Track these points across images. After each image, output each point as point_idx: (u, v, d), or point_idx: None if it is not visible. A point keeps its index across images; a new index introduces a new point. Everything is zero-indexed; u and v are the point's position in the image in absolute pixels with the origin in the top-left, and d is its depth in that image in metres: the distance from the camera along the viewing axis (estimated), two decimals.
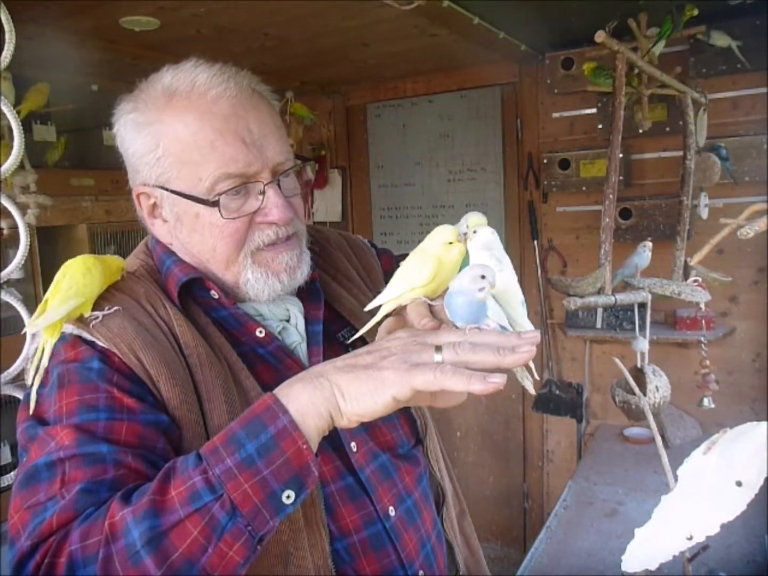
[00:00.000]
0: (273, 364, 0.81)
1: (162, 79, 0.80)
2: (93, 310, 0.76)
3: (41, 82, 2.06)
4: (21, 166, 1.90)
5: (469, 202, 2.99)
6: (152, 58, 2.11)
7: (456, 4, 1.86)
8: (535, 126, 2.76)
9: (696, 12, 1.76)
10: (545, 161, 2.67)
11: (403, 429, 0.89)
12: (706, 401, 1.71)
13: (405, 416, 0.91)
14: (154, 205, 0.83)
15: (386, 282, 0.99)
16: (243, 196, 0.78)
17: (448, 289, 0.68)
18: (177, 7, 1.71)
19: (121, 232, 2.42)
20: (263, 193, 0.78)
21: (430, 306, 0.70)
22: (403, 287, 0.72)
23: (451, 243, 0.71)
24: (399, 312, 0.73)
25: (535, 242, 2.80)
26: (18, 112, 1.23)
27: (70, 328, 0.75)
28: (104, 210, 2.37)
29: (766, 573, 1.49)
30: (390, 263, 1.07)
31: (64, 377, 0.71)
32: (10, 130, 1.22)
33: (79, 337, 0.74)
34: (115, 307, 0.76)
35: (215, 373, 0.75)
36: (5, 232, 1.95)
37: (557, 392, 2.74)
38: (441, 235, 0.72)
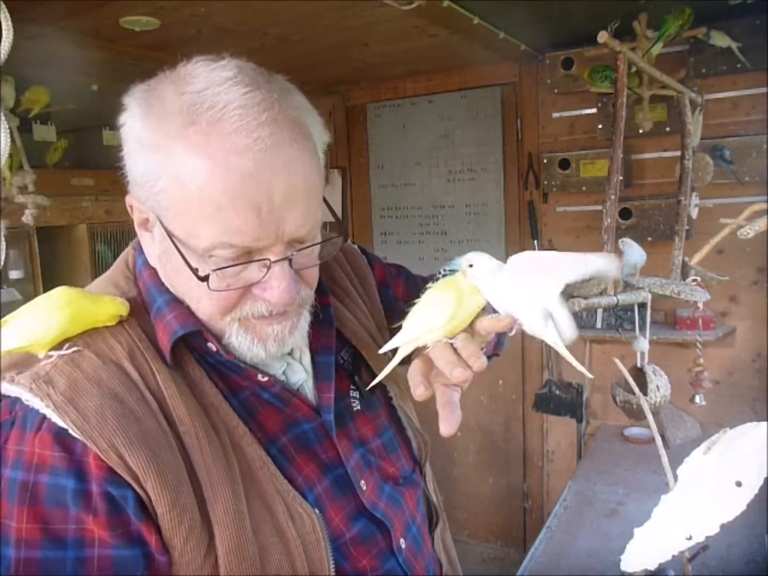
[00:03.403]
0: (279, 407, 0.74)
1: (188, 88, 0.63)
2: (51, 349, 0.65)
3: (40, 84, 2.06)
4: (20, 166, 1.90)
5: (469, 202, 2.99)
6: (152, 58, 2.11)
7: (456, 4, 1.86)
8: (535, 126, 2.75)
9: (688, 14, 1.77)
10: (545, 161, 2.67)
11: (405, 457, 0.87)
12: (698, 398, 1.74)
13: (404, 440, 0.88)
14: (147, 220, 0.70)
15: (379, 295, 0.96)
16: (244, 261, 0.66)
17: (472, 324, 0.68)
18: (177, 7, 1.71)
19: (121, 232, 2.42)
20: (268, 267, 0.66)
21: (453, 346, 0.67)
22: (420, 328, 0.69)
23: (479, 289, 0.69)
24: (420, 352, 0.70)
25: (535, 242, 2.79)
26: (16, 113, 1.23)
27: (32, 400, 0.61)
28: (104, 210, 2.37)
29: (766, 573, 1.49)
30: (383, 274, 1.00)
31: (27, 489, 0.59)
32: (10, 130, 1.21)
33: (48, 421, 0.61)
34: (74, 348, 0.65)
35: (215, 451, 0.66)
36: (2, 232, 1.95)
37: (557, 392, 2.74)
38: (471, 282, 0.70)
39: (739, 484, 0.59)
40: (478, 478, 3.15)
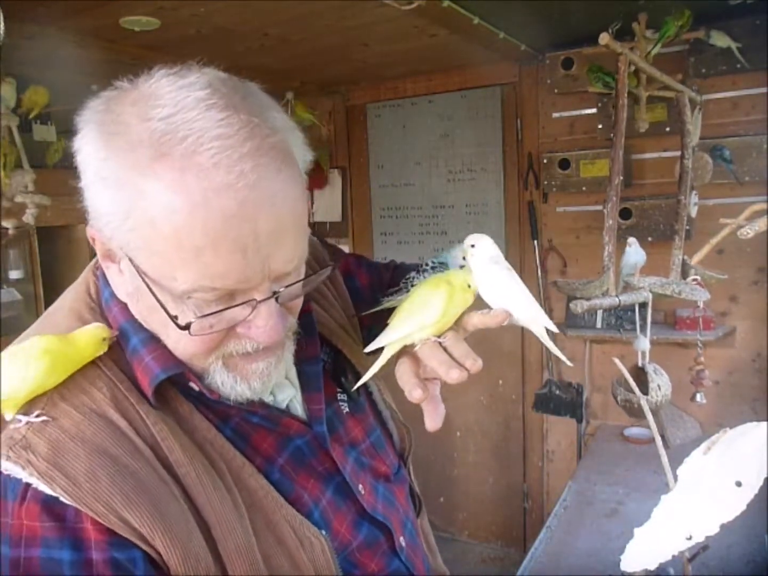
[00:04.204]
0: (269, 428, 0.72)
1: (154, 113, 0.56)
2: (19, 412, 0.59)
3: (39, 84, 2.06)
4: (18, 165, 1.90)
5: (469, 202, 2.99)
6: (152, 58, 2.11)
7: (456, 4, 1.86)
8: (535, 126, 2.76)
9: (687, 16, 1.77)
10: (545, 161, 2.67)
11: (392, 454, 0.86)
12: (699, 397, 1.74)
13: (388, 435, 0.88)
14: (113, 252, 0.63)
15: (345, 286, 0.94)
16: (226, 302, 0.60)
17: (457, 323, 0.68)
18: (177, 7, 1.71)
19: None
20: (254, 307, 0.61)
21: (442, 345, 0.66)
22: (411, 326, 0.68)
23: (469, 286, 0.69)
24: (407, 350, 0.69)
25: (535, 242, 2.80)
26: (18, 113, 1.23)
27: (13, 469, 0.56)
28: None
29: (766, 573, 1.49)
30: (346, 265, 0.97)
31: (19, 566, 0.53)
32: (10, 130, 1.22)
33: (33, 489, 0.55)
34: (42, 418, 0.59)
35: (217, 488, 0.63)
36: (10, 231, 1.96)
37: (557, 392, 2.74)
38: (462, 275, 0.70)
39: (739, 484, 0.59)
40: (478, 478, 3.15)
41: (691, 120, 1.75)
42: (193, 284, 0.57)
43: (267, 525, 0.65)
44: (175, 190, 0.54)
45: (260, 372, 0.66)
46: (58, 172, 2.30)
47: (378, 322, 0.73)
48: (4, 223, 1.93)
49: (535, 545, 1.68)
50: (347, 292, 0.94)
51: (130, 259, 0.60)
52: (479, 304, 0.71)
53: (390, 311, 0.74)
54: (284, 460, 0.71)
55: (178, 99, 0.56)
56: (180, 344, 0.63)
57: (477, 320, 0.68)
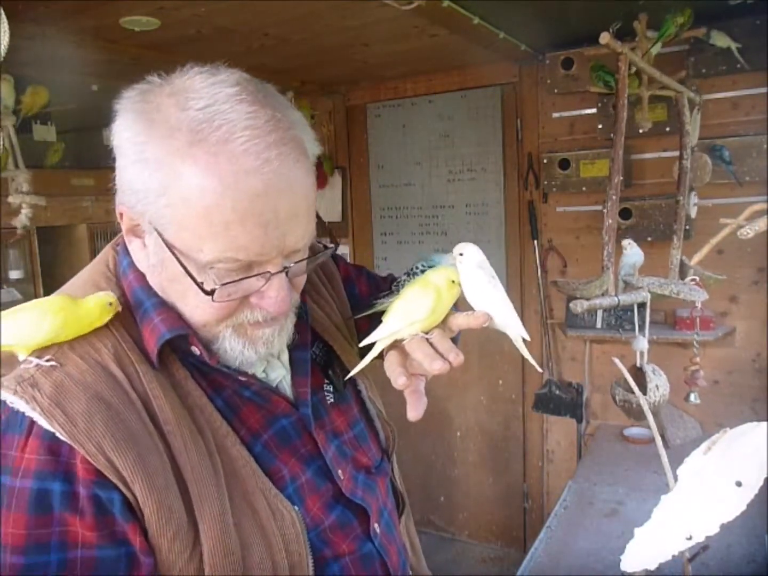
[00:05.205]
0: (259, 403, 0.77)
1: (191, 104, 0.63)
2: (32, 355, 0.66)
3: (39, 84, 2.06)
4: (15, 166, 1.89)
5: (469, 202, 3.00)
6: (152, 58, 2.11)
7: (456, 4, 1.86)
8: (535, 126, 2.76)
9: (688, 14, 1.77)
10: (545, 161, 2.67)
11: (374, 448, 0.90)
12: (693, 397, 1.75)
13: (373, 431, 0.91)
14: (138, 227, 0.70)
15: (345, 290, 0.99)
16: (244, 273, 0.67)
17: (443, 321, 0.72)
18: (177, 7, 1.71)
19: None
20: (268, 278, 0.68)
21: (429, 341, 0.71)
22: (402, 321, 0.72)
23: (453, 282, 0.73)
24: (396, 344, 0.74)
25: (535, 242, 2.80)
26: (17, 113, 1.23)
27: (18, 403, 0.62)
28: (104, 210, 2.37)
29: (766, 573, 1.49)
30: (347, 270, 1.03)
31: (12, 495, 0.60)
32: (7, 129, 1.21)
33: (36, 425, 0.62)
34: (51, 363, 0.65)
35: (200, 452, 0.68)
36: (18, 231, 1.95)
37: (557, 392, 2.74)
38: (447, 273, 0.74)
39: (739, 484, 0.59)
40: (478, 478, 3.15)
41: (689, 121, 1.75)
42: (219, 255, 0.65)
43: (243, 493, 0.70)
44: (210, 172, 0.62)
45: (266, 338, 0.73)
46: (58, 173, 2.30)
47: (375, 327, 0.77)
48: (12, 222, 1.92)
49: (535, 545, 1.68)
50: (345, 296, 0.99)
51: (160, 233, 0.67)
52: (464, 307, 0.76)
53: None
54: (268, 437, 0.76)
55: (212, 93, 0.64)
56: (198, 311, 0.70)
57: (461, 321, 0.74)
